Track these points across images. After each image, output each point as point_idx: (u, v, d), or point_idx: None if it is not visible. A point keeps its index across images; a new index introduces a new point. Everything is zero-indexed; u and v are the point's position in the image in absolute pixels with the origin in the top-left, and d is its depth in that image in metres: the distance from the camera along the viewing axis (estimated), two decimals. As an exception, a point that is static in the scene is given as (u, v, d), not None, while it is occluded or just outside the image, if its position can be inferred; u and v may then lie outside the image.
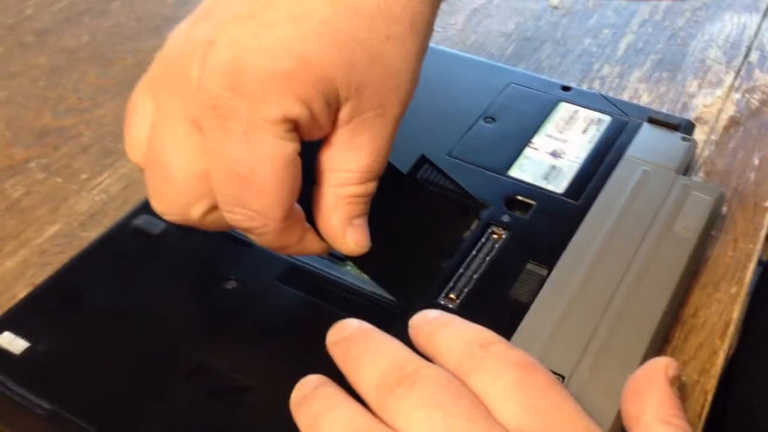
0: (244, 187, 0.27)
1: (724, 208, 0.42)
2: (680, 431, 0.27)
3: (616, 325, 0.33)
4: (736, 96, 0.52)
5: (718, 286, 0.39)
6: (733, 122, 0.50)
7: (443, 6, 0.30)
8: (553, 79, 0.47)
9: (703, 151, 0.47)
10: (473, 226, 0.37)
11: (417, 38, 0.28)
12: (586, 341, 0.32)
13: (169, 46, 0.29)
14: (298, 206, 0.30)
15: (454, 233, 0.37)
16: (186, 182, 0.29)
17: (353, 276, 0.35)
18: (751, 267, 0.40)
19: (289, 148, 0.27)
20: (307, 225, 0.31)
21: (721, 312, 0.37)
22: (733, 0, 0.61)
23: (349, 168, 0.29)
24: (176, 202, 0.29)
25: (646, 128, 0.43)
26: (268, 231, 0.29)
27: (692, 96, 0.52)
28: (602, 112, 0.44)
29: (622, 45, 0.57)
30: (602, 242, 0.36)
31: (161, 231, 0.37)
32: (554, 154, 0.42)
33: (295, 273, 0.35)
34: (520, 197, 0.39)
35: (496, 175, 0.40)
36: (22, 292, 0.38)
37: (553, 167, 0.41)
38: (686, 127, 0.43)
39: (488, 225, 0.37)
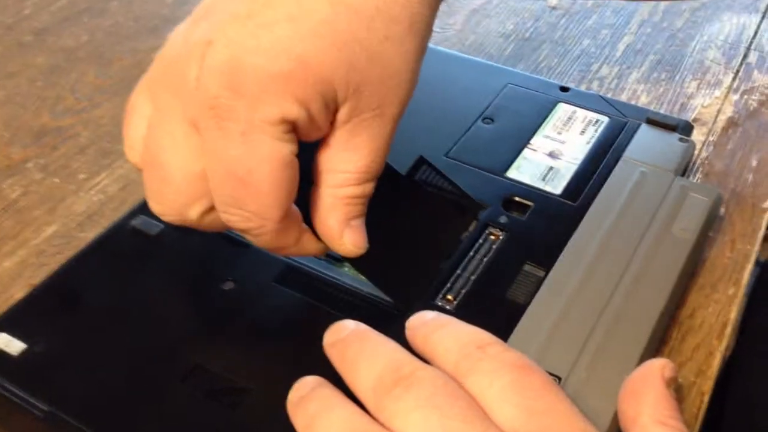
0: (241, 187, 0.27)
1: (722, 210, 0.42)
2: (677, 432, 0.27)
3: (613, 326, 0.33)
4: (735, 97, 0.52)
5: (715, 287, 0.39)
6: (732, 123, 0.50)
7: (442, 6, 0.30)
8: (552, 80, 0.48)
9: (701, 152, 0.47)
10: (471, 227, 0.37)
11: (416, 39, 0.28)
12: (582, 342, 0.32)
13: (168, 47, 0.29)
14: (295, 207, 0.30)
15: (452, 234, 0.37)
16: (184, 183, 0.29)
17: (350, 277, 0.35)
18: (749, 268, 0.40)
19: (286, 149, 0.27)
20: (305, 226, 0.31)
21: (719, 313, 0.37)
22: (732, 1, 0.61)
23: (347, 169, 0.29)
24: (174, 202, 0.29)
25: (645, 129, 0.43)
26: (266, 232, 0.29)
27: (691, 97, 0.52)
28: (600, 113, 0.44)
29: (621, 46, 0.57)
30: (600, 243, 0.36)
31: (159, 232, 0.37)
32: (552, 155, 0.42)
33: (292, 274, 0.35)
34: (517, 198, 0.39)
35: (494, 176, 0.40)
36: (19, 293, 0.38)
37: (551, 168, 0.41)
38: (684, 128, 0.43)
39: (486, 226, 0.37)
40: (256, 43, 0.26)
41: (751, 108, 0.51)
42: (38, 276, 0.39)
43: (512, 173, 0.41)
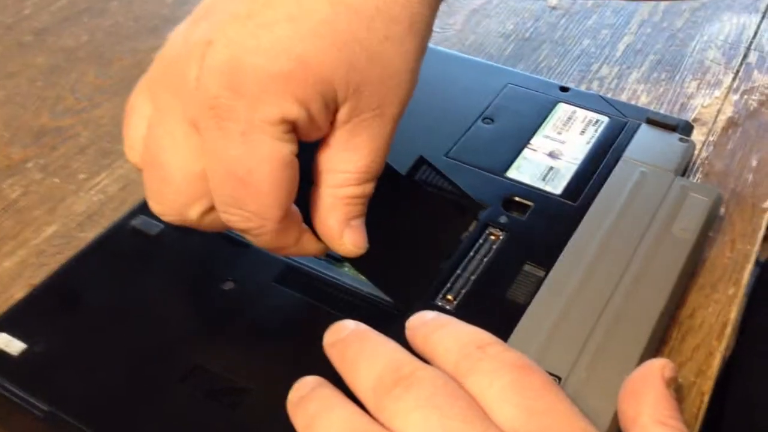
0: (241, 187, 0.27)
1: (722, 210, 0.42)
2: (676, 432, 0.27)
3: (614, 326, 0.33)
4: (735, 97, 0.52)
5: (715, 287, 0.39)
6: (732, 123, 0.50)
7: (442, 6, 0.30)
8: (552, 80, 0.48)
9: (702, 152, 0.47)
10: (471, 227, 0.37)
11: (416, 39, 0.28)
12: (583, 342, 0.32)
13: (168, 47, 0.29)
14: (295, 207, 0.30)
15: (452, 234, 0.37)
16: (184, 183, 0.29)
17: (350, 277, 0.35)
18: (749, 268, 0.40)
19: (286, 149, 0.27)
20: (305, 226, 0.31)
21: (719, 313, 0.37)
22: (732, 1, 0.61)
23: (347, 169, 0.29)
24: (174, 202, 0.29)
25: (645, 129, 0.43)
26: (265, 232, 0.29)
27: (691, 97, 0.52)
28: (600, 113, 0.44)
29: (621, 45, 0.57)
30: (600, 243, 0.36)
31: (159, 232, 0.37)
32: (552, 155, 0.42)
33: (292, 274, 0.35)
34: (517, 198, 0.39)
35: (494, 176, 0.40)
36: (19, 293, 0.38)
37: (551, 168, 0.41)
38: (684, 128, 0.43)
39: (486, 226, 0.37)
40: (256, 43, 0.26)
41: (751, 108, 0.51)
42: (38, 276, 0.39)
43: (512, 173, 0.41)
